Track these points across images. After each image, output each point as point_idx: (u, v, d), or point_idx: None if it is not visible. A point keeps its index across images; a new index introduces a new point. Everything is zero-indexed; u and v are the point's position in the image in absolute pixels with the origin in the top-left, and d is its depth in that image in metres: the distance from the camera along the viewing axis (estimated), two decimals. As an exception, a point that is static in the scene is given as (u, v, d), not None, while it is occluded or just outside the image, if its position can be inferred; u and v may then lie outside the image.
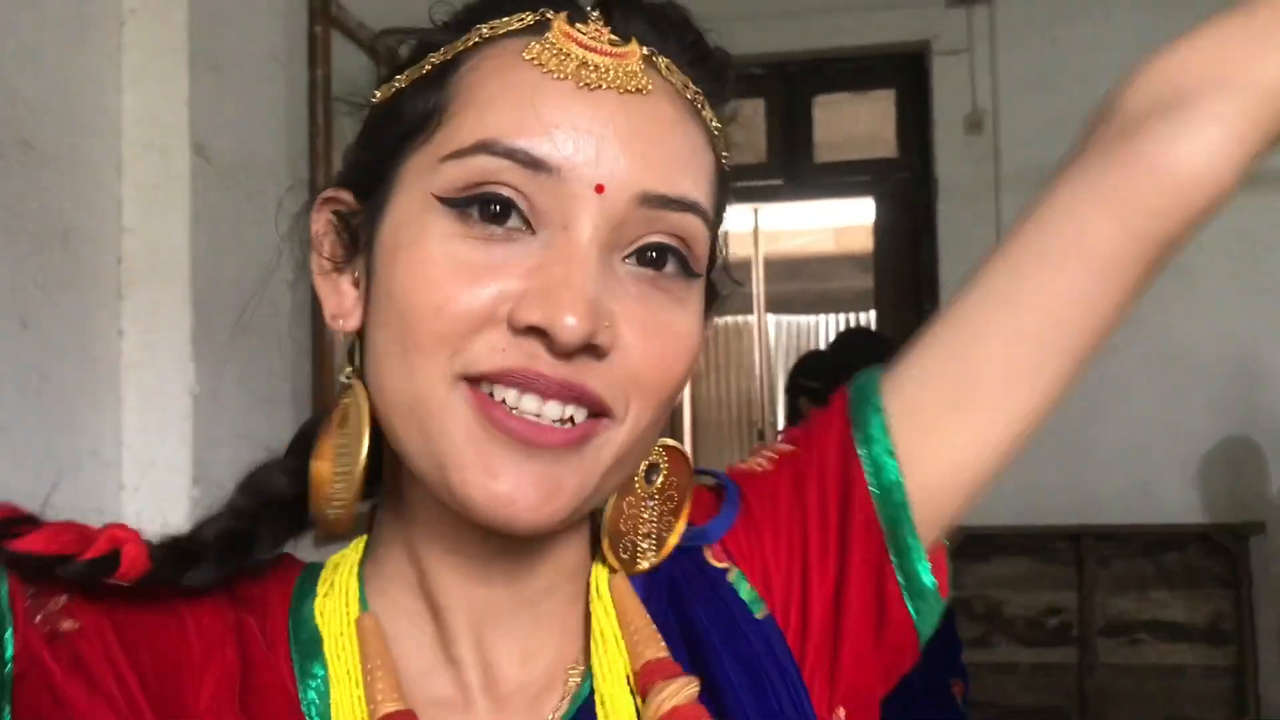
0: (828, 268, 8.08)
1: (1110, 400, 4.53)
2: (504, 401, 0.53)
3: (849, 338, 3.65)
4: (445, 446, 0.53)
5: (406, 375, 0.54)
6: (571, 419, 0.54)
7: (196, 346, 1.76)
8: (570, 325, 0.51)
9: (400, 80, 0.59)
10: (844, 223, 7.13)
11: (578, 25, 0.56)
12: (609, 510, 0.63)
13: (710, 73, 0.61)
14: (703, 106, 0.59)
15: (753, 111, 4.97)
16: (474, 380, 0.54)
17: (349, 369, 0.60)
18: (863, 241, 5.85)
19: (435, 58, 0.58)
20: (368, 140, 0.61)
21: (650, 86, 0.55)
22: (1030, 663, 4.48)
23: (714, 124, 0.60)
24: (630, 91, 0.54)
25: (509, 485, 0.53)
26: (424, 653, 0.62)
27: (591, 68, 0.54)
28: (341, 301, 0.60)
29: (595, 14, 0.58)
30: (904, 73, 4.85)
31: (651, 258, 0.56)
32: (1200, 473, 4.38)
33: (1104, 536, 4.45)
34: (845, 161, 5.06)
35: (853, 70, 4.92)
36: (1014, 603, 4.51)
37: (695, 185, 0.57)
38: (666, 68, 0.57)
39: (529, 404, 0.53)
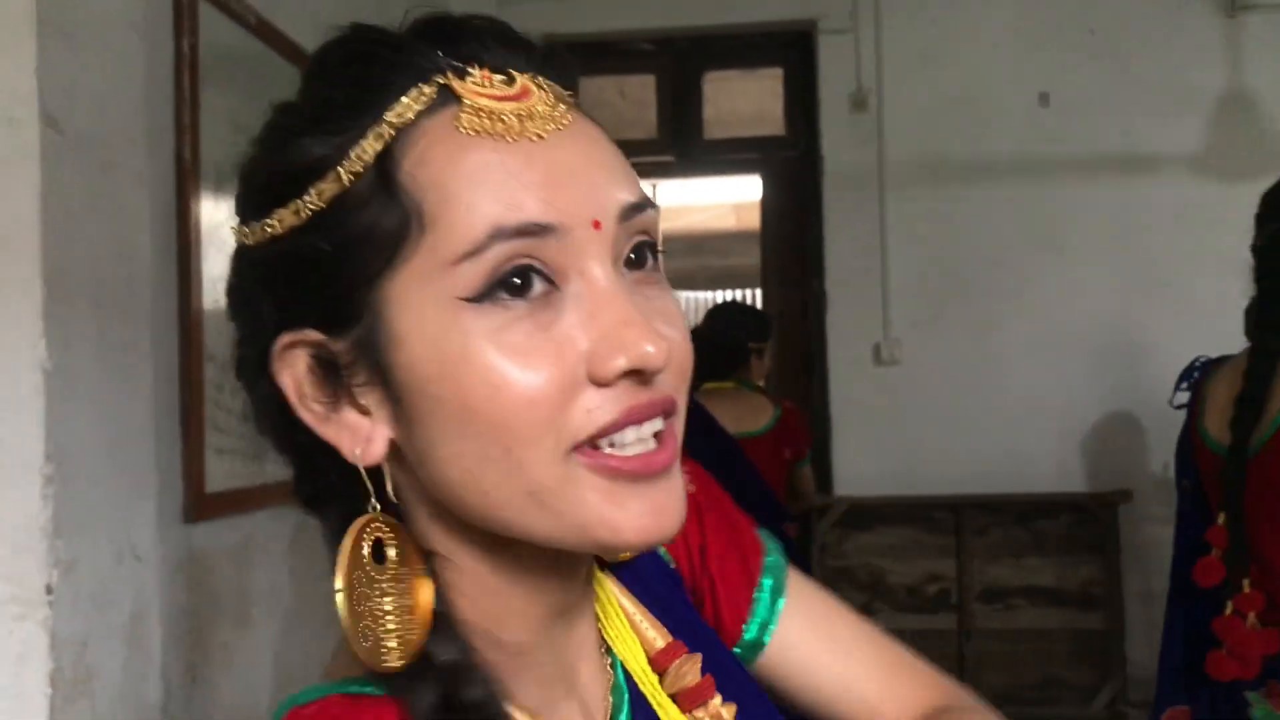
0: (729, 243, 8.13)
1: (989, 375, 4.67)
2: (611, 445, 0.55)
3: (721, 313, 3.70)
4: (583, 513, 0.55)
5: (516, 471, 0.54)
6: (658, 434, 0.57)
7: (48, 322, 1.72)
8: (653, 353, 0.53)
9: (313, 201, 0.55)
10: (745, 199, 7.12)
11: (471, 81, 0.55)
12: None
13: (569, 72, 0.61)
14: (582, 107, 0.60)
15: (643, 88, 4.99)
16: (590, 441, 0.55)
17: (374, 503, 0.57)
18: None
19: (354, 166, 0.54)
20: (314, 271, 0.56)
21: (570, 115, 0.57)
22: (911, 629, 4.60)
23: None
24: (564, 127, 0.56)
25: (644, 520, 0.55)
26: (531, 691, 0.62)
27: (528, 118, 0.55)
28: (356, 435, 0.57)
29: (475, 65, 0.57)
30: (791, 51, 4.91)
31: (638, 259, 0.58)
32: (1073, 444, 4.55)
33: (981, 506, 4.59)
34: (734, 139, 5.11)
35: (741, 48, 4.97)
36: (896, 571, 4.63)
37: (637, 182, 0.59)
38: (548, 85, 0.58)
39: (631, 436, 0.55)
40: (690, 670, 0.67)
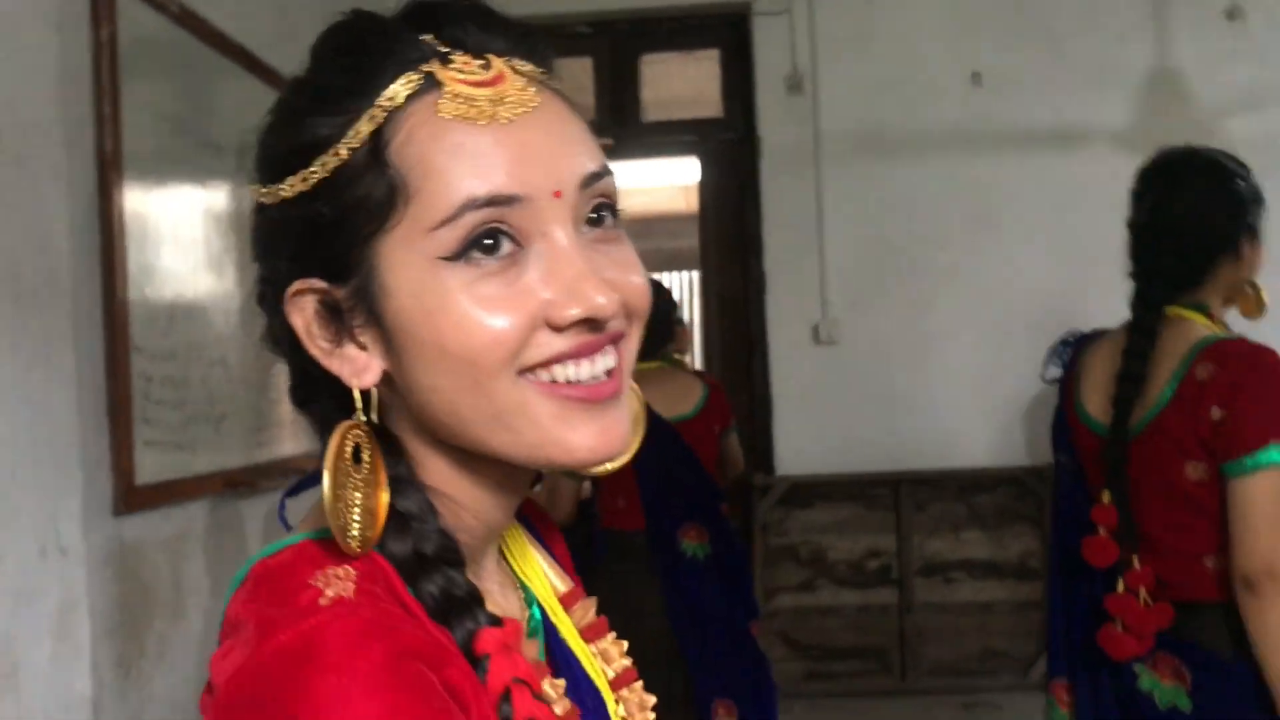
0: (679, 225, 8.13)
1: (927, 352, 4.73)
2: (566, 380, 0.65)
3: None
4: (539, 433, 0.65)
5: (484, 399, 0.64)
6: (609, 370, 0.67)
7: (-37, 315, 1.71)
8: (603, 304, 0.63)
9: (318, 170, 0.64)
10: (692, 180, 7.18)
11: (452, 68, 0.64)
12: None
13: (541, 51, 0.69)
14: (555, 84, 0.68)
15: (581, 71, 4.99)
16: (533, 369, 0.64)
17: (362, 417, 0.67)
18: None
19: (350, 143, 0.64)
20: (316, 231, 0.66)
21: (538, 95, 0.65)
22: (853, 604, 4.68)
23: (563, 90, 0.70)
24: (532, 108, 0.64)
25: (593, 440, 0.65)
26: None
27: (498, 102, 0.63)
28: (354, 366, 0.67)
29: (459, 51, 0.66)
30: (728, 33, 4.93)
31: (598, 219, 0.67)
32: (1009, 419, 4.62)
33: (920, 482, 4.66)
34: (672, 121, 5.13)
35: (678, 30, 4.98)
36: (837, 548, 4.69)
37: (598, 153, 0.68)
38: (523, 68, 0.67)
39: (585, 371, 0.65)
40: (591, 609, 0.78)
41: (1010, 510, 4.64)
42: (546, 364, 0.64)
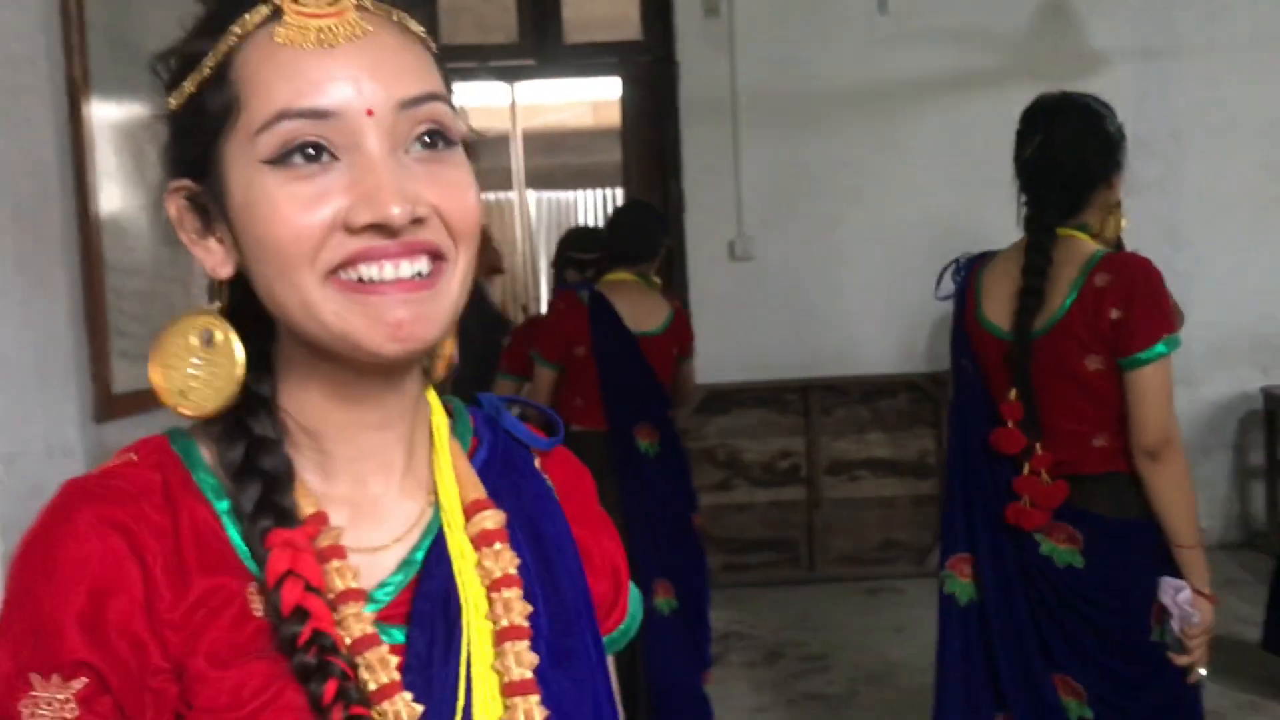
0: (587, 142, 8.12)
1: (833, 267, 5.03)
2: (370, 280, 0.71)
3: (633, 207, 3.93)
4: (339, 325, 0.71)
5: (293, 287, 0.71)
6: (420, 273, 0.72)
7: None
8: (396, 212, 0.69)
9: (189, 86, 0.75)
10: (603, 97, 7.15)
11: (300, 4, 0.72)
12: None
13: None
14: (407, 21, 0.76)
15: (504, -8, 5.10)
16: (337, 270, 0.71)
17: (217, 303, 0.78)
18: (619, 117, 6.03)
19: (210, 62, 0.74)
20: (186, 137, 0.76)
21: (370, 28, 0.73)
22: (766, 501, 5.03)
23: (419, 29, 0.77)
24: (358, 37, 0.72)
25: (386, 332, 0.71)
26: (332, 483, 0.79)
27: (325, 31, 0.72)
28: (213, 257, 0.77)
29: None
30: (646, -43, 5.08)
31: (426, 142, 0.73)
32: (910, 329, 4.95)
33: (827, 388, 5.00)
34: (593, 43, 5.28)
35: (599, -46, 5.11)
36: (751, 449, 5.03)
37: (428, 81, 0.74)
38: (373, 6, 0.74)
39: (388, 272, 0.71)
40: (493, 519, 0.80)
41: (910, 414, 5.01)
42: (347, 264, 0.71)
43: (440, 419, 0.84)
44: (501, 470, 0.85)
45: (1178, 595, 1.96)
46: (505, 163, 7.32)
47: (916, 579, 4.77)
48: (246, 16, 0.72)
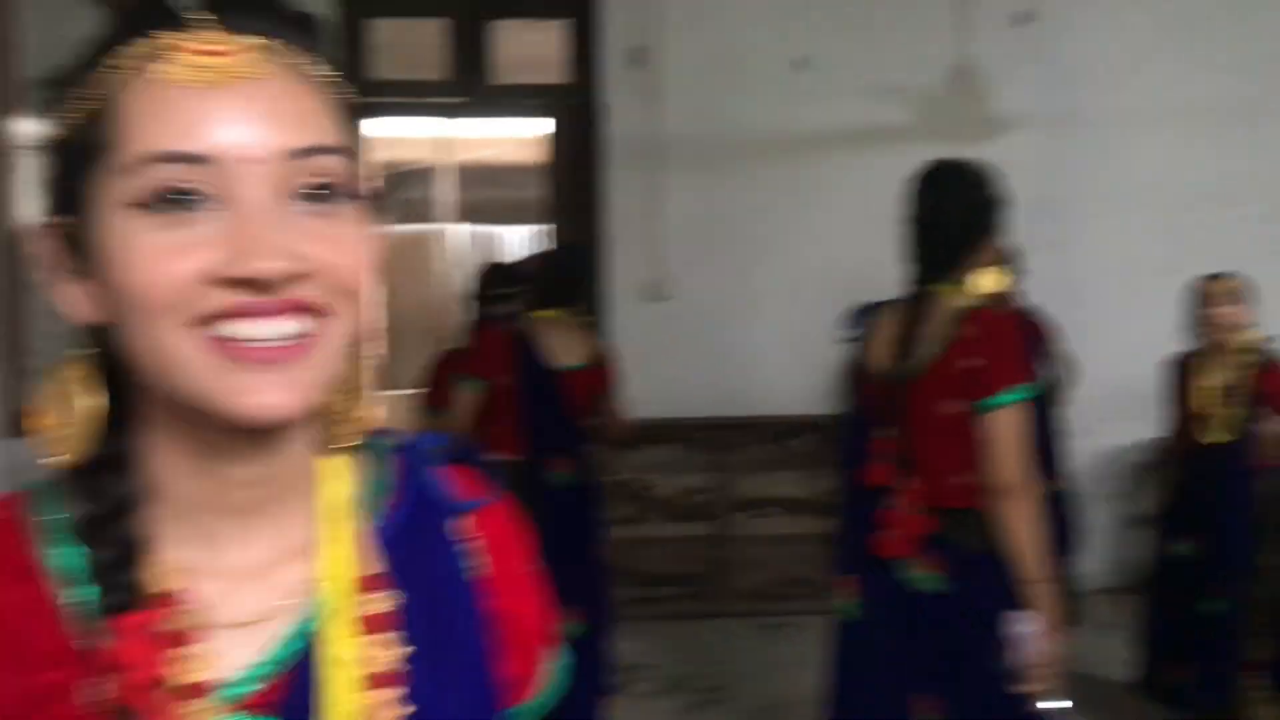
0: (520, 177, 8.27)
1: (748, 310, 5.21)
2: (240, 339, 0.65)
3: (562, 250, 4.13)
4: (199, 385, 0.65)
5: (154, 341, 0.65)
6: (293, 335, 0.66)
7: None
8: (266, 268, 0.64)
9: (66, 116, 0.69)
10: (533, 134, 6.97)
11: (190, 39, 0.66)
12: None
13: (307, 34, 0.71)
14: (312, 65, 0.70)
15: (436, 32, 5.22)
16: (205, 322, 0.65)
17: (79, 351, 0.71)
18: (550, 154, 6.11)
19: (86, 93, 0.68)
20: (58, 173, 0.71)
21: (268, 70, 0.67)
22: (676, 536, 5.14)
23: (325, 74, 0.71)
24: (252, 78, 0.66)
25: (258, 398, 0.65)
26: (200, 552, 0.72)
27: (215, 69, 0.66)
28: (75, 302, 0.70)
29: (211, 23, 0.68)
30: (576, 2, 5.23)
31: (313, 194, 0.67)
32: (818, 371, 5.10)
33: (739, 426, 5.15)
34: (522, 85, 5.42)
35: (529, -2, 5.26)
36: (662, 484, 5.15)
37: (324, 131, 0.68)
38: (275, 49, 0.68)
39: (260, 330, 0.65)
40: (382, 602, 0.73)
41: (817, 454, 5.15)
42: (214, 319, 0.65)
43: (338, 486, 0.77)
44: (415, 536, 0.78)
45: (1022, 627, 2.12)
46: (435, 194, 7.40)
47: (819, 615, 4.82)
48: (131, 47, 0.67)
